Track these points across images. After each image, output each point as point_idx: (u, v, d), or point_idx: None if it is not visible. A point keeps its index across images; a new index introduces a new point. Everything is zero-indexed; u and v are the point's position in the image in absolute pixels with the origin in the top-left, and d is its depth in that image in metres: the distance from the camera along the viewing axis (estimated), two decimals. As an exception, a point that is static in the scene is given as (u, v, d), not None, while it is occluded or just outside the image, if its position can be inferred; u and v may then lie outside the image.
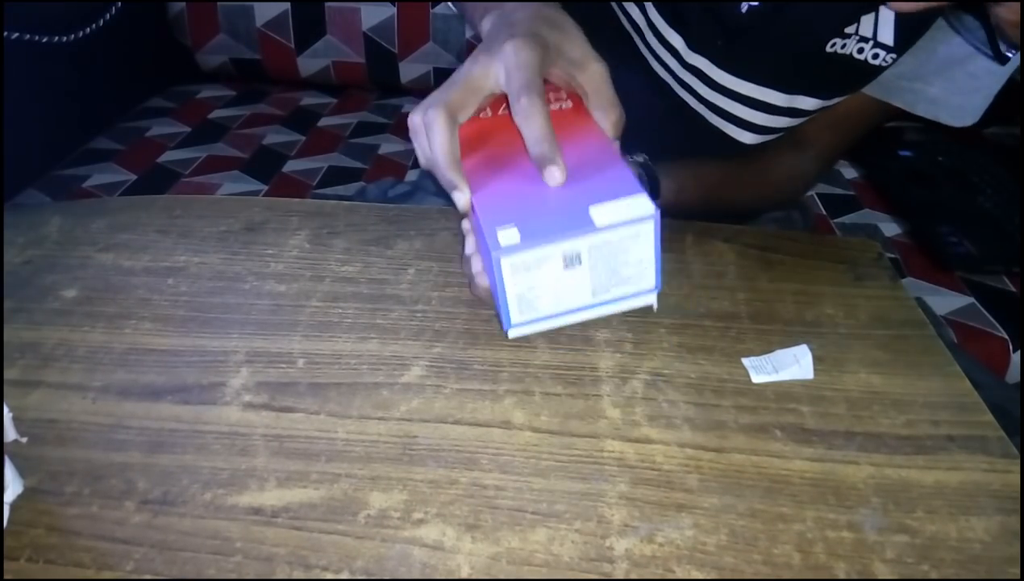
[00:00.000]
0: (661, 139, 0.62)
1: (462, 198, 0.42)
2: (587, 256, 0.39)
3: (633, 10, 0.66)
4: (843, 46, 0.59)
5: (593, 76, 0.45)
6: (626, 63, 0.70)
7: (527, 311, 0.41)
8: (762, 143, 0.69)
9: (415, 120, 0.43)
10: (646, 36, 0.66)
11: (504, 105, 0.46)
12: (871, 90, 0.65)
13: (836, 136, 0.72)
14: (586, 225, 0.38)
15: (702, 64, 0.64)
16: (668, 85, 0.68)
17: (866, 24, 0.58)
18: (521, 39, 0.42)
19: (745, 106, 0.64)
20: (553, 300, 0.40)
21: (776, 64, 0.62)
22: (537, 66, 0.42)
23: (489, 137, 0.46)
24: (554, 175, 0.40)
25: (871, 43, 0.59)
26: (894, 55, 0.59)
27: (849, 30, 0.58)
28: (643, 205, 0.39)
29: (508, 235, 0.39)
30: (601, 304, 0.41)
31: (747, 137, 0.66)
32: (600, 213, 0.39)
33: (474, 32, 0.54)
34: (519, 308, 0.40)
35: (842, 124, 0.70)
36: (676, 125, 0.67)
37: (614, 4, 0.68)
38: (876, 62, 0.60)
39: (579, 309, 0.41)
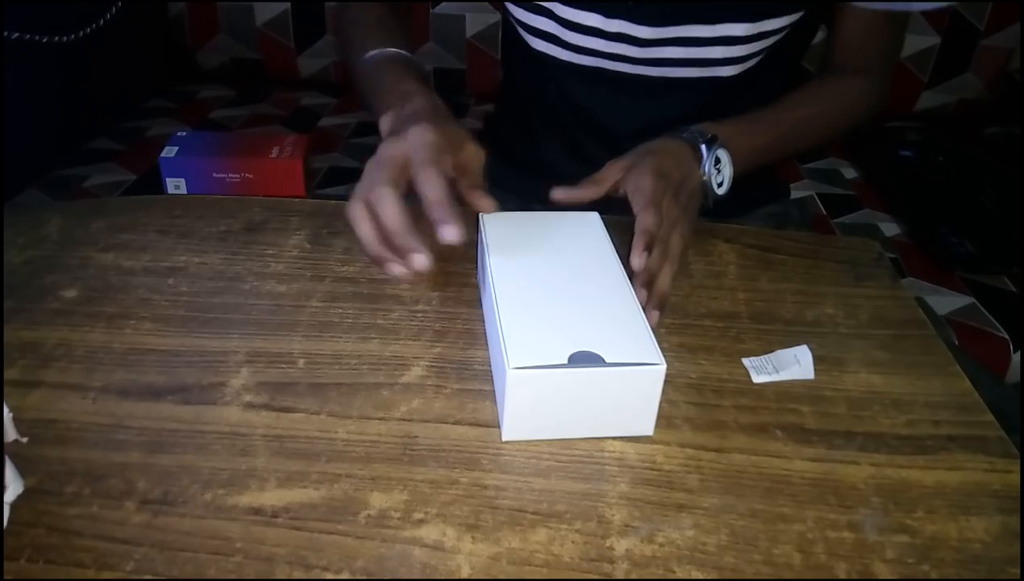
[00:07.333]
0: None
1: (422, 261, 0.44)
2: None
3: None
4: None
5: (471, 155, 0.52)
6: (612, 86, 0.72)
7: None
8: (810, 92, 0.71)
9: (356, 210, 0.46)
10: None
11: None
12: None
13: (870, 51, 0.73)
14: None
15: (624, 27, 0.66)
16: (625, 74, 0.71)
17: None
18: (425, 131, 0.49)
19: (679, 46, 0.67)
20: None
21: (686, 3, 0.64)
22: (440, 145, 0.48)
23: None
24: (451, 233, 0.44)
25: None
26: None
27: None
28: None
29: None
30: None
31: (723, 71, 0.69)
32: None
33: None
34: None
35: (866, 42, 0.72)
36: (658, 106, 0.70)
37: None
38: None
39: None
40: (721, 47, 0.67)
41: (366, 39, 0.65)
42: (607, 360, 0.42)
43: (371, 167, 0.48)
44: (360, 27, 0.69)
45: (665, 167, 0.57)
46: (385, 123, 0.54)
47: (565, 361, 0.42)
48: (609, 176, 0.58)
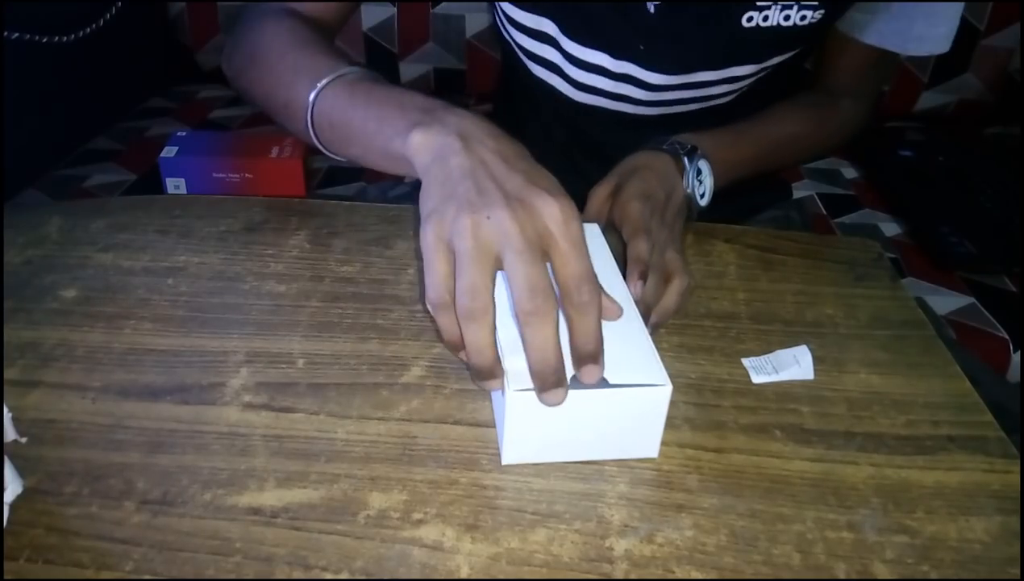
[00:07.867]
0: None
1: (496, 386, 0.41)
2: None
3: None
4: (764, 17, 0.60)
5: None
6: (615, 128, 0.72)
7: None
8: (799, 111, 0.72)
9: (441, 295, 0.39)
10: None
11: None
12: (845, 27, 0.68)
13: (862, 78, 0.74)
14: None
15: (632, 70, 0.66)
16: (641, 116, 0.71)
17: None
18: (567, 200, 0.39)
19: (685, 90, 0.67)
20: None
21: (700, 50, 0.64)
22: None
23: None
24: (593, 374, 0.39)
25: (796, 7, 0.60)
26: (822, 11, 0.61)
27: (763, 3, 0.60)
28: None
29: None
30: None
31: (720, 90, 0.69)
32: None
33: (368, 152, 0.51)
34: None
35: (859, 71, 0.73)
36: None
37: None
38: (805, 23, 0.61)
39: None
40: (725, 85, 0.67)
41: (315, 62, 0.56)
42: (610, 381, 0.40)
43: (470, 247, 0.38)
44: (301, 52, 0.59)
45: (650, 188, 0.56)
46: (417, 142, 0.44)
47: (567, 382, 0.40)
48: (598, 206, 0.58)
